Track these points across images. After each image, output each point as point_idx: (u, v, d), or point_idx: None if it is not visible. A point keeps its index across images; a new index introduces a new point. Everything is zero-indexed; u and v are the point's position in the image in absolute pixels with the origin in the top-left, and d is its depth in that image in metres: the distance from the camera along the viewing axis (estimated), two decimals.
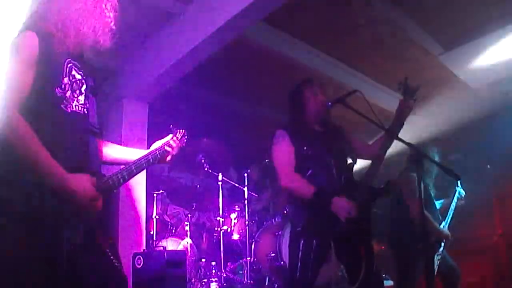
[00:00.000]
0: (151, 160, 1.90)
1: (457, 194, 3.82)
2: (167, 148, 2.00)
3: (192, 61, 3.90)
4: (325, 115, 2.64)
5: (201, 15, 3.61)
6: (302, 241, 2.34)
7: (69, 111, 1.60)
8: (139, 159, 1.84)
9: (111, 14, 1.73)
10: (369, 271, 2.29)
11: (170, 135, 2.10)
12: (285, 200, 4.18)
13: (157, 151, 1.97)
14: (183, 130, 2.21)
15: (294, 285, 2.44)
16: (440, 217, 3.62)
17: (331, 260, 2.28)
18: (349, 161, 2.61)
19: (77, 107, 1.63)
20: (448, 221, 3.67)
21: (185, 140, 2.21)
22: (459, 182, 3.80)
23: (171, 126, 2.16)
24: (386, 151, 2.43)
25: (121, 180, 1.70)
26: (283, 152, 2.51)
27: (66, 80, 1.60)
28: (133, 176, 1.77)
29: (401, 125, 2.47)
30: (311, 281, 2.31)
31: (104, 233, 1.60)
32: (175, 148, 2.05)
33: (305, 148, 2.47)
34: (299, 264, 2.33)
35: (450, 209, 3.73)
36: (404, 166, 3.65)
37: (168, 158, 2.02)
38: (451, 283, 3.51)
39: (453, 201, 3.78)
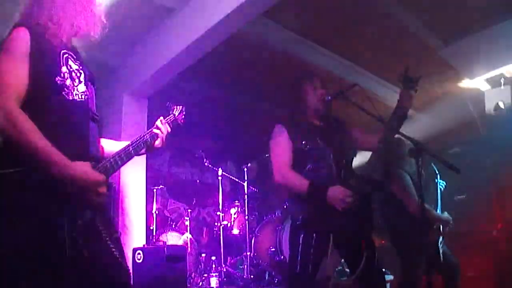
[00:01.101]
0: (148, 140, 1.89)
1: (439, 186, 3.82)
2: (155, 130, 1.95)
3: (191, 56, 3.89)
4: (325, 109, 2.62)
5: (199, 10, 3.59)
6: (302, 235, 2.33)
7: (71, 98, 1.61)
8: (136, 140, 1.83)
9: (101, 8, 1.79)
10: (370, 264, 2.29)
11: (159, 119, 2.04)
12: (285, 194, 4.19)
13: (152, 129, 1.95)
14: (181, 106, 2.18)
15: (294, 279, 2.43)
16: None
17: (331, 253, 2.28)
18: (349, 153, 2.59)
19: (77, 95, 1.65)
20: (439, 208, 3.67)
21: (183, 116, 2.19)
22: (438, 175, 3.80)
23: (168, 103, 2.14)
24: (386, 143, 2.41)
25: (119, 162, 1.70)
26: (280, 148, 2.49)
27: (64, 69, 1.62)
28: (131, 158, 1.76)
29: (402, 118, 2.41)
30: (312, 275, 2.30)
31: (105, 223, 1.60)
32: (164, 131, 1.98)
33: (303, 142, 2.45)
34: (299, 258, 2.31)
35: (437, 198, 3.72)
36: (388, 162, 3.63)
37: (157, 142, 1.95)
38: (451, 277, 3.51)
39: (438, 190, 3.76)
